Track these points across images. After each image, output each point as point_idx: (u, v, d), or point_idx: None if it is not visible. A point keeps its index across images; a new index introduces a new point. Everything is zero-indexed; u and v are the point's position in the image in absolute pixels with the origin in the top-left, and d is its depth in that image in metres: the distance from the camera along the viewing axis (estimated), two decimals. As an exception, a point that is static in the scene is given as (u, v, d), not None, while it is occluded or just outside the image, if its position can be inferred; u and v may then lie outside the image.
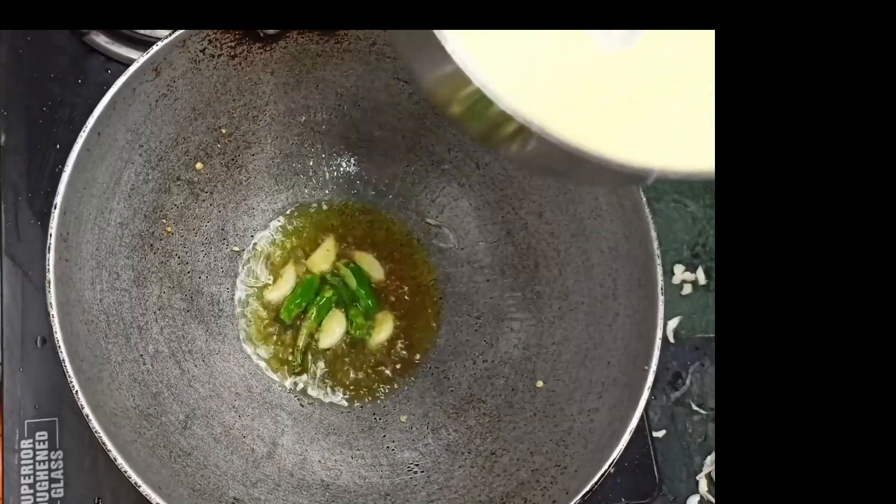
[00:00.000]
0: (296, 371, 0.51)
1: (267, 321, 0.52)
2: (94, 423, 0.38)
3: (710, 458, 0.54)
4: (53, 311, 0.39)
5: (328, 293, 0.52)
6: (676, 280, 0.57)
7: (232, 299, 0.52)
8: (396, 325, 0.53)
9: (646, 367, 0.42)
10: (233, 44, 0.44)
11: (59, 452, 0.49)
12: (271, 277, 0.53)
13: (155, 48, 0.42)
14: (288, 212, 0.53)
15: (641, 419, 0.41)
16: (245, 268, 0.53)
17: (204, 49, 0.44)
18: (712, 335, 0.57)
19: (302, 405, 0.51)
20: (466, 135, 0.38)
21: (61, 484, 0.48)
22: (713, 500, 0.54)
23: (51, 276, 0.40)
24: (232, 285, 0.52)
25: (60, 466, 0.49)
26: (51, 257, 0.40)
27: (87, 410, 0.39)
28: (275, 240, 0.53)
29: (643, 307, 0.44)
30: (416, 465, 0.48)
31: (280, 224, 0.53)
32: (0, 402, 0.49)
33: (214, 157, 0.49)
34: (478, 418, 0.49)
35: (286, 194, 0.53)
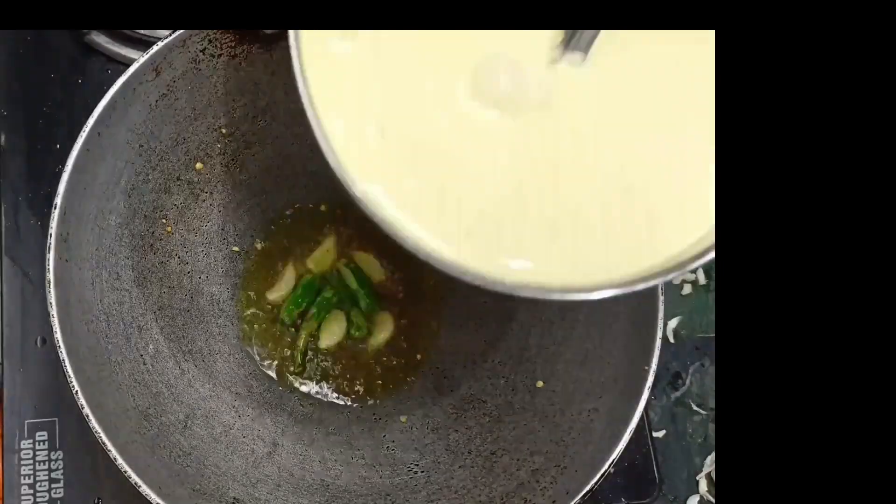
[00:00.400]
0: (296, 371, 0.51)
1: (267, 321, 0.52)
2: (94, 423, 0.38)
3: (710, 458, 0.54)
4: (53, 311, 0.39)
5: (328, 293, 0.52)
6: (676, 280, 0.57)
7: (232, 299, 0.52)
8: (396, 325, 0.53)
9: (646, 367, 0.42)
10: (233, 44, 0.44)
11: (59, 452, 0.49)
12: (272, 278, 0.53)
13: (155, 48, 0.42)
14: (288, 212, 0.53)
15: (641, 419, 0.41)
16: (245, 268, 0.53)
17: (204, 49, 0.44)
18: (712, 335, 0.57)
19: (302, 405, 0.51)
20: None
21: (61, 484, 0.48)
22: (713, 500, 0.54)
23: (51, 276, 0.40)
24: (232, 285, 0.52)
25: (60, 466, 0.49)
26: (51, 257, 0.40)
27: (87, 410, 0.39)
28: (275, 240, 0.53)
29: (643, 307, 0.44)
30: (416, 465, 0.48)
31: (280, 224, 0.53)
32: (0, 402, 0.49)
33: (214, 157, 0.49)
34: (478, 418, 0.49)
35: (286, 194, 0.53)
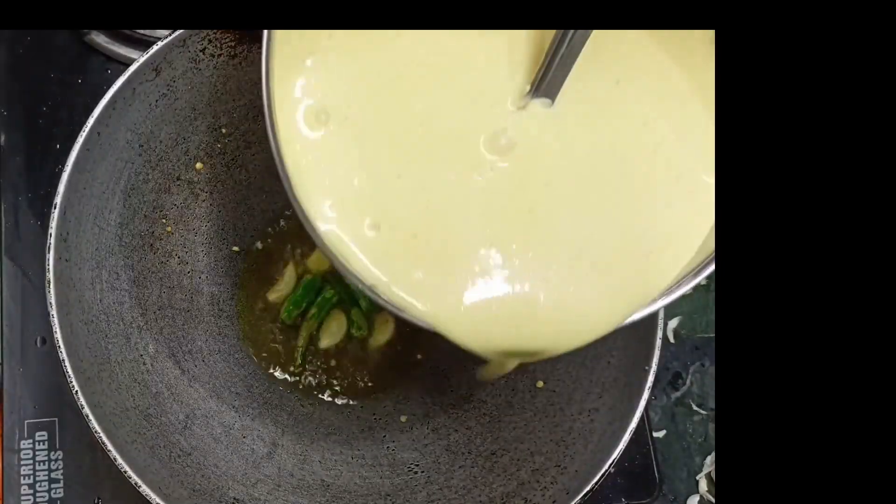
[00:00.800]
0: (296, 371, 0.51)
1: (267, 321, 0.52)
2: (94, 423, 0.38)
3: (710, 458, 0.54)
4: (53, 311, 0.39)
5: (328, 294, 0.52)
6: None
7: (232, 299, 0.52)
8: (396, 324, 0.53)
9: (646, 367, 0.42)
10: (233, 44, 0.44)
11: (59, 452, 0.49)
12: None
13: (155, 48, 0.42)
14: (288, 212, 0.53)
15: (641, 419, 0.41)
16: (245, 268, 0.53)
17: (204, 49, 0.44)
18: (712, 335, 0.57)
19: (302, 405, 0.51)
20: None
21: (61, 484, 0.48)
22: (713, 500, 0.54)
23: (51, 276, 0.40)
24: (232, 285, 0.52)
25: (60, 466, 0.49)
26: (51, 257, 0.40)
27: (87, 410, 0.39)
28: (275, 240, 0.53)
29: (643, 307, 0.44)
30: (417, 465, 0.48)
31: (280, 224, 0.53)
32: (0, 402, 0.49)
33: (214, 157, 0.49)
34: (478, 418, 0.49)
35: (286, 194, 0.53)
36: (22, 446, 0.48)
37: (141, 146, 0.45)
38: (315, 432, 0.49)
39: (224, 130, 0.48)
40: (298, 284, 0.52)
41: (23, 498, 0.48)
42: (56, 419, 0.49)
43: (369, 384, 0.52)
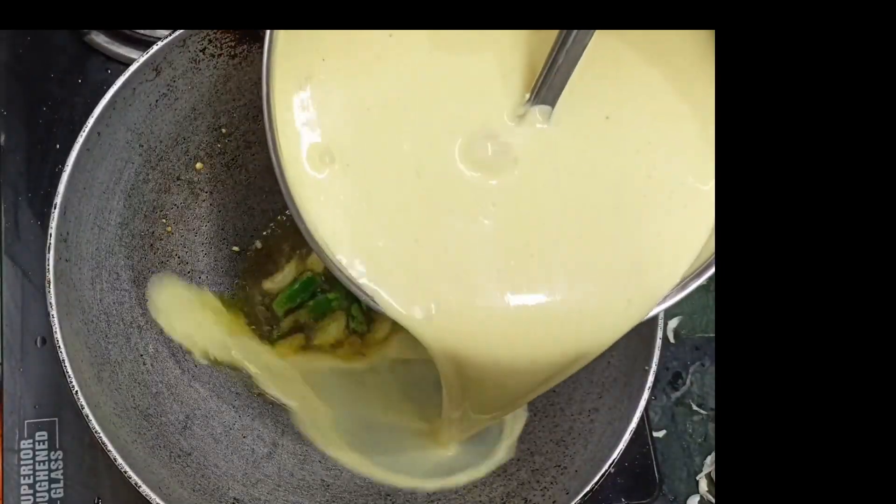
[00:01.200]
0: (276, 338, 0.51)
1: (267, 322, 0.52)
2: (94, 423, 0.38)
3: (710, 458, 0.54)
4: (53, 311, 0.39)
5: (331, 296, 0.52)
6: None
7: (232, 299, 0.52)
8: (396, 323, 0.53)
9: (646, 367, 0.42)
10: (233, 43, 0.44)
11: (59, 452, 0.49)
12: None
13: (155, 48, 0.42)
14: (288, 211, 0.53)
15: (641, 419, 0.41)
16: (244, 268, 0.53)
17: (204, 49, 0.44)
18: (712, 335, 0.57)
19: (302, 405, 0.51)
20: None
21: (61, 484, 0.48)
22: (713, 500, 0.54)
23: (51, 276, 0.40)
24: (232, 285, 0.52)
25: (60, 466, 0.49)
26: (51, 257, 0.40)
27: (87, 410, 0.39)
28: (274, 240, 0.53)
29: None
30: (416, 465, 0.48)
31: (280, 224, 0.53)
32: (0, 402, 0.49)
33: (214, 157, 0.49)
34: (478, 418, 0.49)
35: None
36: (22, 446, 0.49)
37: (141, 146, 0.45)
38: (315, 432, 0.49)
39: (224, 130, 0.48)
40: (297, 280, 0.52)
41: (23, 498, 0.48)
42: (56, 419, 0.49)
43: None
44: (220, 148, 0.49)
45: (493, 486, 0.45)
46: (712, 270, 0.34)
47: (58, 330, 0.39)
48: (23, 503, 0.48)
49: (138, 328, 0.46)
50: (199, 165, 0.48)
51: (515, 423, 0.47)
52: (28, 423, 0.49)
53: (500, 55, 0.36)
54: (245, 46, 0.45)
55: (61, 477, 0.48)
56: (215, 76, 0.45)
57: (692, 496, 0.54)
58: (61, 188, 0.40)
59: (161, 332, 0.47)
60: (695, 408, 0.55)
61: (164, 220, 0.48)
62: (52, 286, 0.40)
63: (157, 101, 0.44)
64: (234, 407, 0.48)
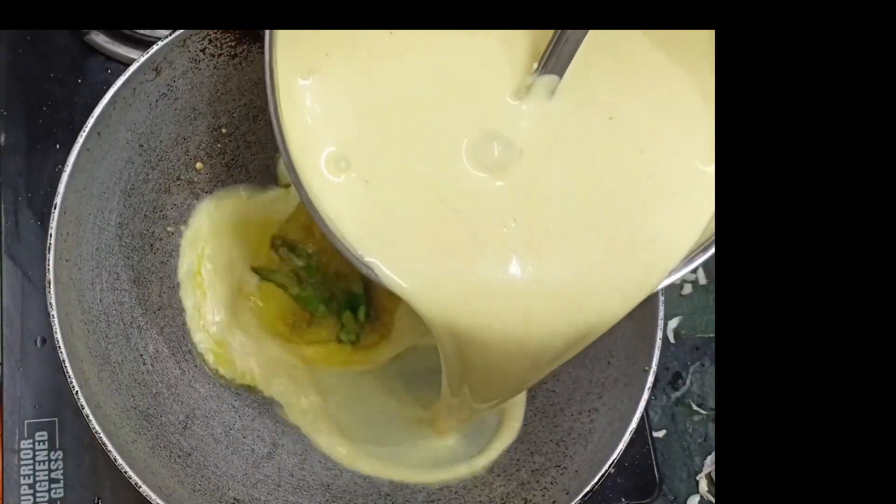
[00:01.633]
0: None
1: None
2: (94, 423, 0.38)
3: (710, 458, 0.54)
4: (53, 311, 0.39)
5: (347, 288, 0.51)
6: (676, 280, 0.57)
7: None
8: (396, 324, 0.53)
9: (646, 368, 0.42)
10: (233, 43, 0.44)
11: (59, 452, 0.49)
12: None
13: (155, 48, 0.42)
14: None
15: (641, 419, 0.41)
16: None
17: (204, 49, 0.44)
18: (712, 335, 0.57)
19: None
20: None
21: (61, 484, 0.48)
22: (713, 500, 0.54)
23: (51, 276, 0.40)
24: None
25: (60, 466, 0.49)
26: (51, 257, 0.40)
27: (87, 410, 0.39)
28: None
29: (643, 307, 0.44)
30: (416, 465, 0.48)
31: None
32: (0, 402, 0.49)
33: (214, 157, 0.49)
34: (478, 418, 0.49)
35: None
36: (22, 446, 0.49)
37: (141, 146, 0.45)
38: (315, 432, 0.49)
39: (224, 130, 0.48)
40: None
41: (23, 498, 0.48)
42: (56, 419, 0.49)
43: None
44: (220, 148, 0.49)
45: (493, 486, 0.45)
46: (712, 251, 0.34)
47: (58, 330, 0.39)
48: (23, 503, 0.48)
49: (138, 328, 0.46)
50: (199, 165, 0.48)
51: (514, 409, 0.47)
52: (28, 423, 0.49)
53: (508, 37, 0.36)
54: (245, 46, 0.45)
55: (61, 477, 0.48)
56: (215, 76, 0.45)
57: (692, 496, 0.54)
58: (61, 188, 0.40)
59: (161, 331, 0.47)
60: (695, 408, 0.55)
61: (164, 220, 0.48)
62: (52, 286, 0.40)
63: (157, 101, 0.44)
64: (234, 407, 0.48)
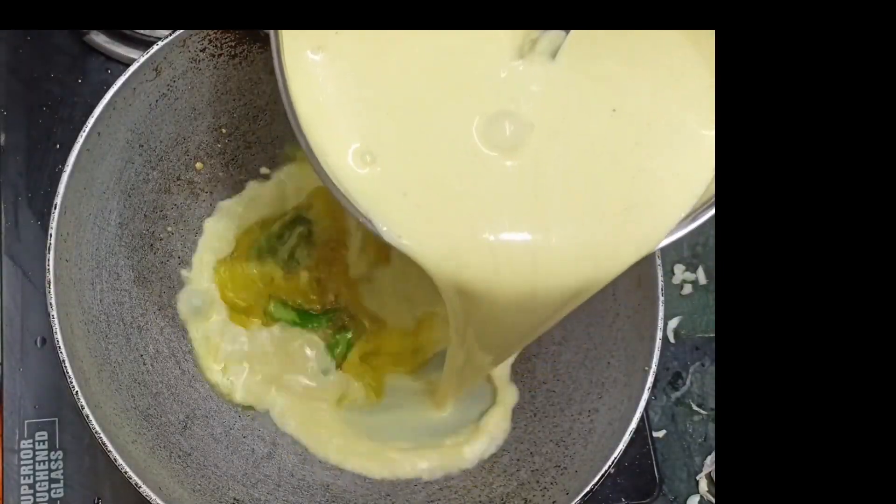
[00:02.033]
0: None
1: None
2: (94, 424, 0.38)
3: (710, 458, 0.54)
4: (53, 312, 0.39)
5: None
6: (676, 280, 0.57)
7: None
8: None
9: (646, 368, 0.42)
10: (233, 43, 0.44)
11: (59, 452, 0.49)
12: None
13: (155, 48, 0.42)
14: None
15: (641, 419, 0.41)
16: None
17: (204, 49, 0.44)
18: (712, 335, 0.57)
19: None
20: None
21: (61, 484, 0.48)
22: (713, 500, 0.54)
23: (51, 276, 0.40)
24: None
25: (60, 466, 0.49)
26: (51, 257, 0.40)
27: (87, 410, 0.39)
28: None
29: (643, 307, 0.44)
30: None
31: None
32: (0, 402, 0.49)
33: (214, 157, 0.49)
34: (478, 418, 0.49)
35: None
36: (22, 446, 0.49)
37: (141, 146, 0.45)
38: (315, 432, 0.49)
39: (224, 130, 0.48)
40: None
41: (23, 498, 0.48)
42: (56, 419, 0.49)
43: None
44: (220, 148, 0.49)
45: (493, 486, 0.45)
46: (711, 212, 0.34)
47: (58, 330, 0.39)
48: (23, 503, 0.48)
49: (138, 328, 0.46)
50: (199, 165, 0.48)
51: (506, 395, 0.49)
52: (28, 423, 0.49)
53: None
54: (245, 46, 0.45)
55: (61, 477, 0.48)
56: (215, 76, 0.45)
57: (692, 496, 0.54)
58: (61, 188, 0.40)
59: (161, 331, 0.47)
60: (695, 408, 0.55)
61: (164, 220, 0.48)
62: (52, 286, 0.40)
63: (157, 101, 0.44)
64: (234, 407, 0.48)
